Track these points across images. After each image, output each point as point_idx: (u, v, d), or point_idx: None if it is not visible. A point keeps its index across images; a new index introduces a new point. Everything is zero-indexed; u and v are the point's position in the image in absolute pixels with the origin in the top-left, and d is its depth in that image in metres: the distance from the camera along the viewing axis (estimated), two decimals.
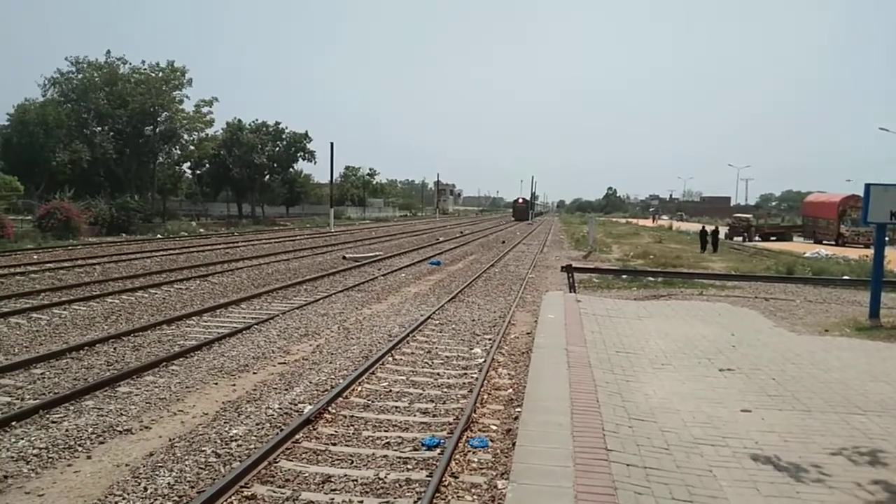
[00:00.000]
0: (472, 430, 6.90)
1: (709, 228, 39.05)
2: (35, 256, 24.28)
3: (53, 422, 6.86)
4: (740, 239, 48.20)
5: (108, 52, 50.93)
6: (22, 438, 6.36)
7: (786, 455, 5.77)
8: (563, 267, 18.71)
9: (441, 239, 42.78)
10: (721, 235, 43.68)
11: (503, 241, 41.95)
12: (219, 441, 6.48)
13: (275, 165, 66.72)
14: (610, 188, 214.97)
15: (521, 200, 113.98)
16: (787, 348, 10.28)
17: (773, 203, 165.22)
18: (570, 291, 16.92)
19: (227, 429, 6.84)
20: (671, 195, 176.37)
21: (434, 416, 7.43)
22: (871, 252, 18.71)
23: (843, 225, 43.46)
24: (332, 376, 8.90)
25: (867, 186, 13.08)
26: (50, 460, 5.92)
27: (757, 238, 48.22)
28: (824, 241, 44.00)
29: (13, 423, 6.69)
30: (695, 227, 42.26)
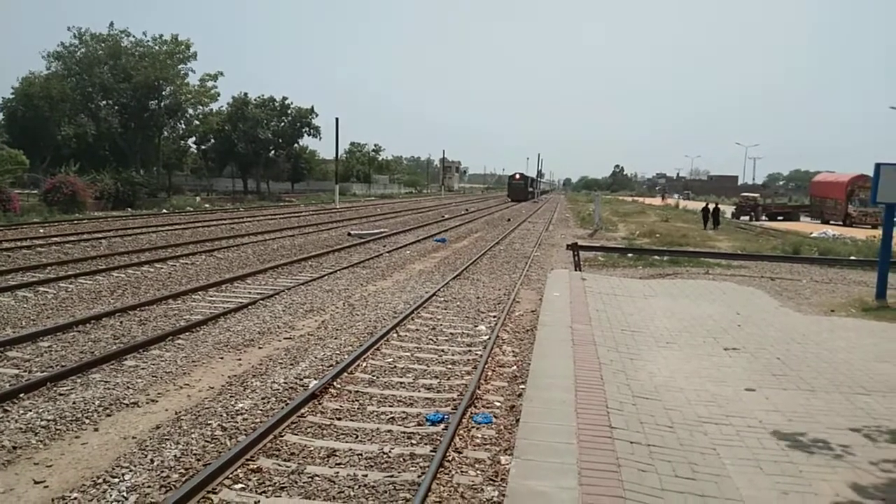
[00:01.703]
0: (476, 407, 6.92)
1: (711, 206, 39.16)
2: (41, 230, 24.35)
3: (61, 394, 6.92)
4: (747, 218, 48.00)
5: (112, 23, 50.56)
6: (30, 410, 6.42)
7: (790, 434, 5.77)
8: (568, 245, 18.66)
9: (446, 216, 42.71)
10: (727, 214, 43.51)
11: (508, 219, 41.87)
12: (225, 414, 6.53)
13: (280, 141, 66.46)
14: (617, 166, 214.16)
15: (518, 176, 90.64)
16: (792, 328, 10.27)
17: (781, 182, 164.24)
18: (576, 269, 16.89)
19: (232, 402, 6.89)
20: (678, 174, 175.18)
21: (438, 392, 7.46)
22: (878, 232, 18.62)
23: (851, 205, 43.18)
24: (337, 352, 8.94)
25: (877, 166, 12.96)
26: (58, 432, 5.98)
27: (764, 217, 48.01)
28: (832, 221, 43.80)
29: (21, 396, 6.74)
30: (702, 205, 42.16)
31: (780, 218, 47.68)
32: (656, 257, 20.04)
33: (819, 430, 5.88)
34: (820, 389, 7.12)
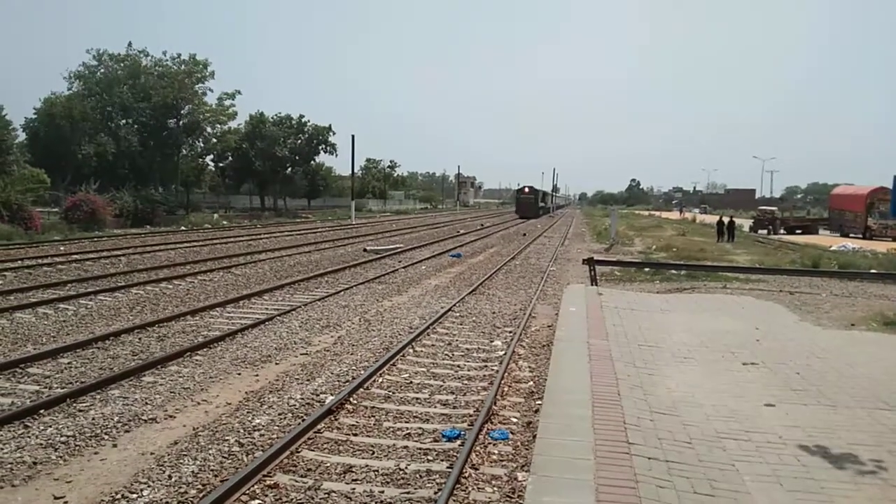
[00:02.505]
0: (492, 423, 6.90)
1: (725, 219, 39.06)
2: (62, 248, 24.67)
3: (80, 410, 6.98)
4: (765, 232, 47.55)
5: (130, 44, 51.48)
6: (50, 426, 6.48)
7: (810, 450, 5.70)
8: (584, 259, 18.60)
9: (461, 231, 42.75)
10: (745, 228, 43.11)
11: (524, 234, 41.82)
12: (242, 430, 6.55)
13: (297, 158, 67.06)
14: (633, 180, 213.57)
15: (527, 190, 79.64)
16: (812, 342, 10.14)
17: (799, 195, 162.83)
18: (592, 284, 16.82)
19: (250, 418, 6.91)
20: (695, 187, 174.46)
21: (454, 407, 7.44)
22: None
23: (871, 218, 42.64)
24: (354, 367, 8.95)
25: None
26: (77, 448, 6.03)
27: (782, 231, 47.51)
28: (851, 234, 43.25)
29: (41, 411, 6.82)
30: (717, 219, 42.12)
31: (798, 231, 47.17)
32: (673, 272, 19.90)
33: (840, 446, 5.79)
34: (841, 405, 7.02)
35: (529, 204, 76.51)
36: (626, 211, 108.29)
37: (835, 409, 6.86)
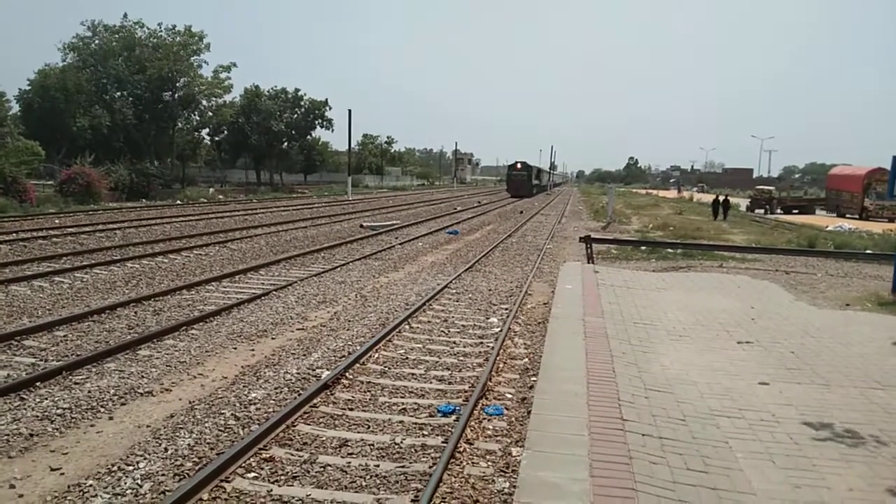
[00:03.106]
0: (487, 398, 6.93)
1: (721, 198, 39.21)
2: (57, 221, 24.57)
3: (76, 383, 6.99)
4: (762, 211, 47.57)
5: (125, 15, 50.83)
6: (46, 399, 6.50)
7: (803, 428, 5.74)
8: (581, 237, 18.59)
9: (458, 208, 42.67)
10: (742, 207, 43.15)
11: (521, 212, 41.76)
12: (238, 404, 6.58)
13: (293, 133, 66.61)
14: (631, 158, 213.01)
15: (519, 166, 71.08)
16: (807, 322, 10.19)
17: (797, 175, 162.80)
18: (589, 262, 16.84)
19: (246, 392, 6.93)
20: (692, 166, 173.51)
21: (450, 383, 7.47)
22: (895, 226, 18.41)
23: (868, 198, 42.67)
24: (350, 343, 8.97)
25: (895, 159, 12.80)
26: (73, 420, 6.05)
27: (779, 211, 47.54)
28: (847, 215, 43.29)
29: (37, 384, 6.83)
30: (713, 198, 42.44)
31: (795, 211, 47.21)
32: (670, 250, 19.92)
33: (833, 425, 5.83)
34: (834, 384, 7.06)
35: (522, 181, 69.63)
36: (623, 189, 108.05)
37: (828, 388, 6.90)
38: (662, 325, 9.69)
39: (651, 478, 4.63)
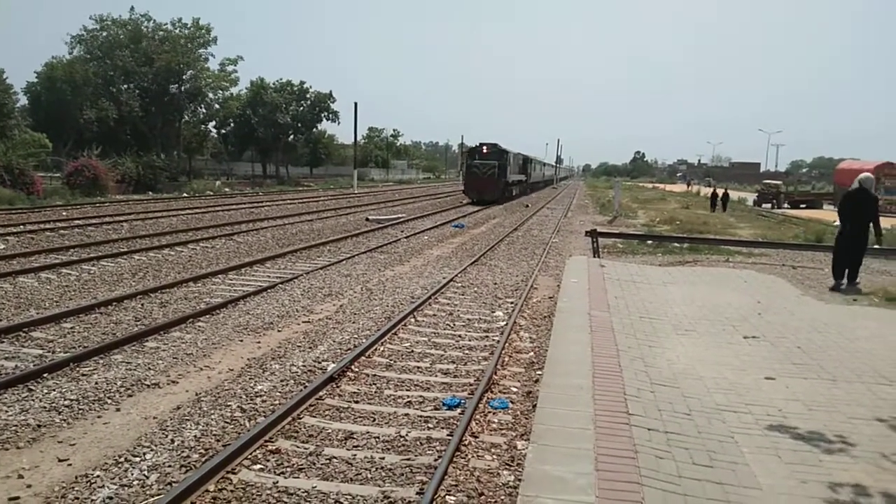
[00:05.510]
0: (492, 392, 6.93)
1: (720, 191, 39.59)
2: (64, 213, 24.65)
3: (83, 375, 7.02)
4: (769, 206, 47.39)
5: (132, 8, 50.89)
6: (54, 390, 6.53)
7: (810, 424, 5.72)
8: (587, 231, 18.56)
9: (464, 202, 42.61)
10: (749, 202, 43.02)
11: (526, 205, 41.68)
12: (244, 396, 6.60)
13: (299, 125, 66.63)
14: (637, 152, 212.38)
15: (485, 150, 42.32)
16: (813, 317, 10.14)
17: (805, 170, 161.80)
18: (594, 256, 16.81)
19: (252, 385, 6.95)
20: (699, 160, 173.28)
21: (455, 376, 7.48)
22: None
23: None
24: (355, 336, 8.98)
25: None
26: (80, 412, 6.07)
27: (786, 205, 47.37)
28: None
29: (45, 375, 6.86)
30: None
31: (802, 206, 47.01)
32: (676, 244, 19.86)
33: (840, 420, 5.81)
34: (841, 379, 7.03)
35: (486, 178, 40.88)
36: (629, 183, 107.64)
37: (835, 384, 6.87)
38: (668, 319, 9.66)
39: (656, 472, 4.63)
